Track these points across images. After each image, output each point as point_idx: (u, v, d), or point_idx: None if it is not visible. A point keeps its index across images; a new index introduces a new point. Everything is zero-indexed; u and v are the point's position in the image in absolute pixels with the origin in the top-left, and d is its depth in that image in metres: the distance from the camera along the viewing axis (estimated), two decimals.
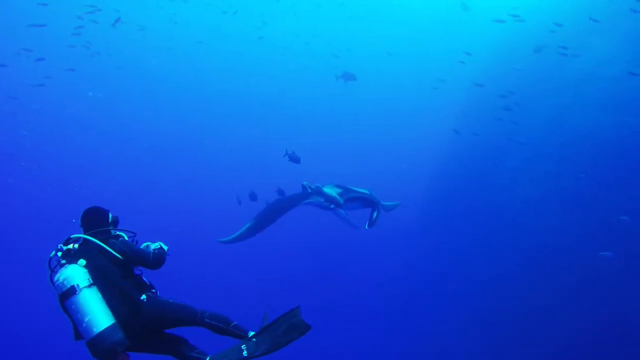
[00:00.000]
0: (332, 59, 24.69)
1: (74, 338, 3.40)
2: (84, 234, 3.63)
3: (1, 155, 25.38)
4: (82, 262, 3.38)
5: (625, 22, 14.23)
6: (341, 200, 9.18)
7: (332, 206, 9.15)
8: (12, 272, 21.28)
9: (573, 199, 13.64)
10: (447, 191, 20.18)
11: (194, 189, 28.09)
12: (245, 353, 3.32)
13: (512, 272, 14.22)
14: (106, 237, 3.60)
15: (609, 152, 13.21)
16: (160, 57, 29.81)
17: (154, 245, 3.80)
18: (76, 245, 3.52)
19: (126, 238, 3.75)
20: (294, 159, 11.09)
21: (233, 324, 3.60)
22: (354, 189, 9.65)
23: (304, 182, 9.55)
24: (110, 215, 3.87)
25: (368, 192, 9.70)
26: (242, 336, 3.55)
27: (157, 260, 3.64)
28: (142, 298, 3.48)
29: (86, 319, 3.17)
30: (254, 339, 3.42)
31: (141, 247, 3.86)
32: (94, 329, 3.15)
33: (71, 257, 3.42)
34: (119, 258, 3.49)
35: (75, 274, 3.29)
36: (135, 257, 3.59)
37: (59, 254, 3.45)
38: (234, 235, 9.61)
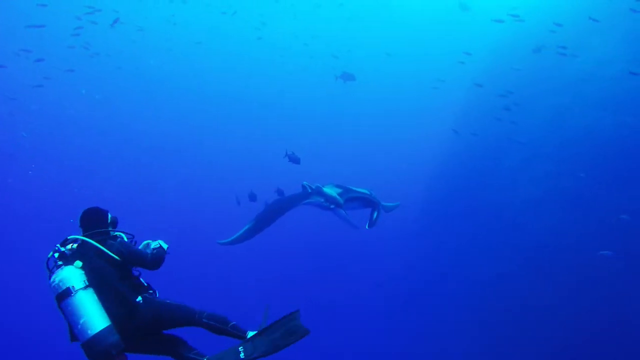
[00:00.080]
0: (332, 59, 24.69)
1: (69, 339, 3.39)
2: (83, 234, 3.61)
3: (1, 156, 25.36)
4: (79, 263, 3.36)
5: (624, 22, 14.21)
6: (341, 201, 9.15)
7: (332, 206, 9.13)
8: (12, 272, 21.26)
9: (573, 199, 13.63)
10: (447, 191, 20.19)
11: (193, 190, 28.11)
12: (242, 355, 3.31)
13: (512, 272, 14.22)
14: (104, 238, 3.57)
15: (608, 152, 13.19)
16: (160, 58, 29.80)
17: (153, 244, 3.78)
18: (74, 246, 3.50)
19: (125, 238, 3.73)
20: (294, 159, 11.07)
21: (231, 324, 3.58)
22: (354, 189, 9.62)
23: (304, 182, 9.53)
24: (110, 216, 3.85)
25: (368, 192, 9.68)
26: (241, 336, 3.53)
27: (155, 261, 3.63)
28: (137, 300, 3.46)
29: (81, 321, 3.15)
30: (252, 341, 3.41)
31: (141, 245, 3.85)
32: (89, 331, 3.14)
33: (68, 258, 3.40)
34: (116, 259, 3.47)
35: (71, 275, 3.27)
36: (132, 258, 3.57)
37: (56, 255, 3.43)
38: (233, 237, 9.58)
